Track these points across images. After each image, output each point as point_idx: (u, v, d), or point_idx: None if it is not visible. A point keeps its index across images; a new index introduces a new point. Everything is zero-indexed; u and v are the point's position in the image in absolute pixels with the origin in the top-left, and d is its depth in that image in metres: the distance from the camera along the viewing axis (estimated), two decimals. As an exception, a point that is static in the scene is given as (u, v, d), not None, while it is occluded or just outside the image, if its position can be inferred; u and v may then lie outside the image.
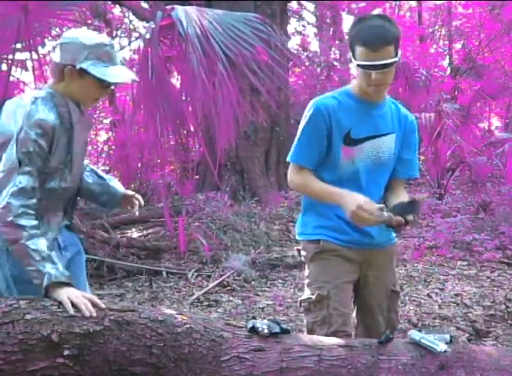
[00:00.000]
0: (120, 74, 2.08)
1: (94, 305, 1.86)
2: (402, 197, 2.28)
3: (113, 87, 2.15)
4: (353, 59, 2.16)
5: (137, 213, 2.49)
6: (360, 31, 2.11)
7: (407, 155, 2.35)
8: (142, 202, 2.47)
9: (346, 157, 2.23)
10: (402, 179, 2.39)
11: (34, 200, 1.96)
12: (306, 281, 2.34)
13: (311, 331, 2.24)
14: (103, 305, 1.86)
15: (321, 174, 2.26)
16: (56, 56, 2.07)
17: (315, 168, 2.26)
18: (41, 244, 1.91)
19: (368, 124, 2.24)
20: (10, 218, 1.90)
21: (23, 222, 1.91)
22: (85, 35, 2.06)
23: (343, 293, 2.25)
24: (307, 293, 2.30)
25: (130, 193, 2.45)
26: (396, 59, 2.11)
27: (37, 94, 2.06)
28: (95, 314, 1.82)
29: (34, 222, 1.94)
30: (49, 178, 2.05)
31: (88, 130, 2.29)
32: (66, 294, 1.86)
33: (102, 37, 2.10)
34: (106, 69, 2.04)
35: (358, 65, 2.13)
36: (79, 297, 1.86)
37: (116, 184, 2.42)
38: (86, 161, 2.38)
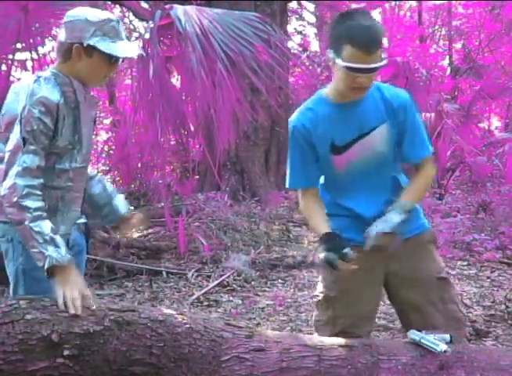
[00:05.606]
0: (127, 49, 2.07)
1: (86, 301, 1.84)
2: (412, 184, 2.19)
3: (120, 63, 2.13)
4: (337, 60, 1.99)
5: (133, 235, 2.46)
6: (350, 30, 1.96)
7: (409, 136, 2.14)
8: (146, 223, 2.42)
9: (340, 166, 2.15)
10: (418, 163, 2.20)
11: (41, 180, 1.95)
12: (320, 278, 2.31)
13: (315, 329, 2.25)
14: (94, 306, 1.84)
15: (327, 189, 2.23)
16: (62, 36, 2.05)
17: (317, 184, 2.21)
18: (45, 226, 1.90)
19: (351, 127, 2.11)
20: (15, 199, 1.88)
21: (27, 203, 1.89)
22: (90, 12, 2.05)
23: (354, 294, 2.17)
24: (317, 290, 2.29)
25: (132, 213, 2.40)
26: (384, 61, 2.00)
27: (40, 73, 2.05)
28: (79, 312, 1.80)
29: (40, 204, 1.92)
30: (59, 159, 2.04)
31: (95, 109, 2.27)
32: (62, 286, 1.85)
33: (108, 14, 2.09)
34: (114, 44, 2.03)
35: (347, 67, 1.96)
36: (73, 292, 1.84)
37: (120, 200, 2.39)
38: (95, 171, 2.34)
